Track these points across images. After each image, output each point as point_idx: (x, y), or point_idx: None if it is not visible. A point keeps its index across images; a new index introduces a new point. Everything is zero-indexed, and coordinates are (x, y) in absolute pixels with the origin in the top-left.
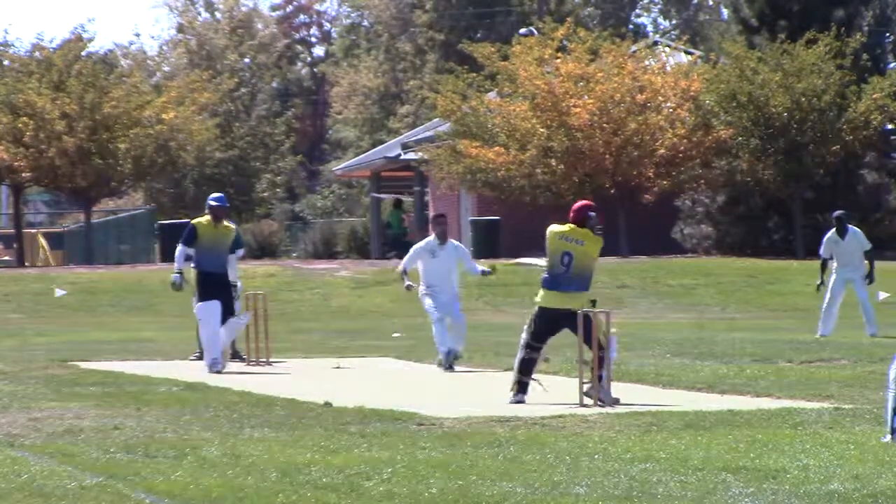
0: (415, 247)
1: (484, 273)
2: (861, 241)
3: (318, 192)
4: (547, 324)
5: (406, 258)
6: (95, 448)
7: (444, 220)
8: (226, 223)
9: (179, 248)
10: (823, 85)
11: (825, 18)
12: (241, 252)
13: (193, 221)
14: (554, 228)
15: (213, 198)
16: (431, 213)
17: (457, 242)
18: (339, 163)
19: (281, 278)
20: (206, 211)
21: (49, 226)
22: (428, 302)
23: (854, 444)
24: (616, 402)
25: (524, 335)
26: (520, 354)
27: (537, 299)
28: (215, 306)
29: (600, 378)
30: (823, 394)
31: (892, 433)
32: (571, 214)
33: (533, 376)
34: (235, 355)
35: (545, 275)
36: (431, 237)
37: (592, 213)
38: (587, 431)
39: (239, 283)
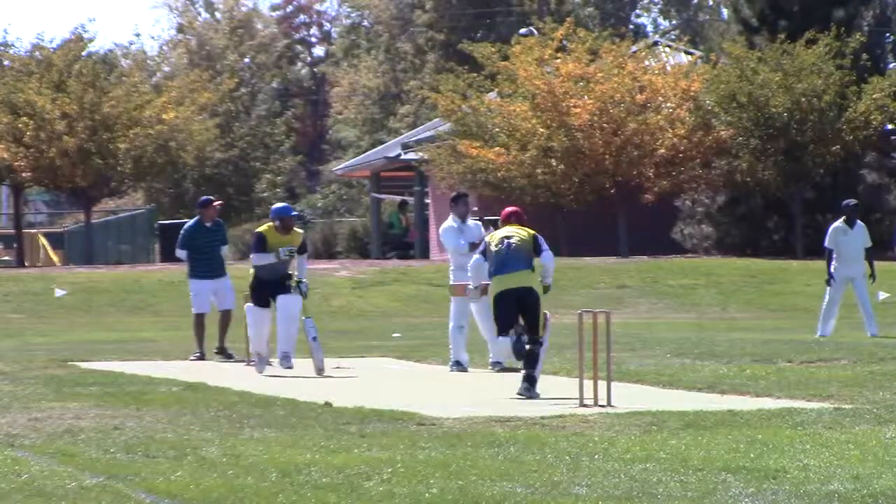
0: (448, 229)
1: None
2: (865, 237)
3: (318, 192)
4: (506, 309)
5: (452, 243)
6: (95, 448)
7: (467, 200)
8: (296, 229)
9: (257, 256)
10: (823, 85)
11: (825, 18)
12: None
13: (260, 229)
14: (490, 235)
15: (282, 208)
16: (452, 194)
17: (475, 221)
18: (339, 163)
19: None
20: (276, 223)
21: (49, 226)
22: (454, 307)
23: (854, 444)
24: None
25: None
26: (507, 345)
27: (490, 289)
28: (266, 314)
29: (533, 377)
30: (823, 394)
31: None
32: (501, 220)
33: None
34: (221, 351)
35: (490, 269)
36: (451, 218)
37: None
38: (587, 431)
39: (305, 282)
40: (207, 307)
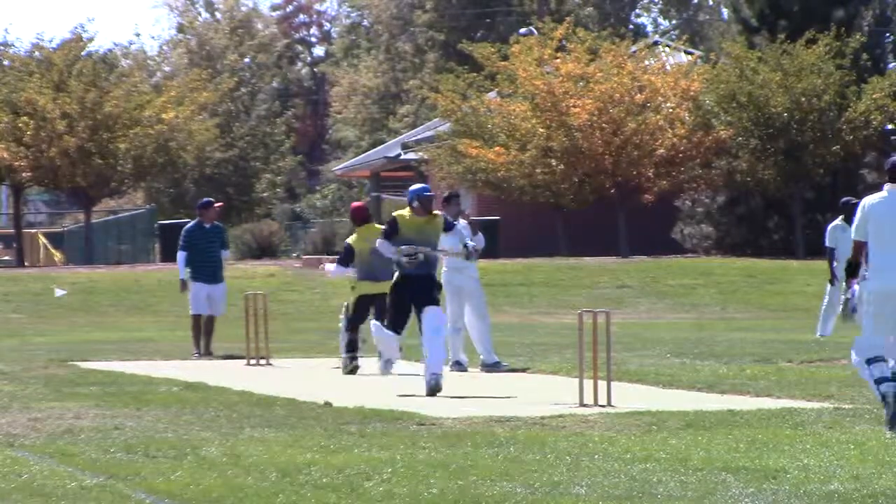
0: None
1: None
2: None
3: (318, 192)
4: (365, 307)
5: (447, 247)
6: (95, 448)
7: (458, 200)
8: (435, 213)
9: (381, 242)
10: (823, 85)
11: (825, 18)
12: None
13: (395, 213)
14: (355, 237)
15: (421, 188)
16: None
17: (463, 221)
18: (339, 163)
19: (281, 278)
20: (414, 204)
21: (49, 226)
22: (450, 309)
23: (854, 444)
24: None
25: (343, 321)
26: (345, 338)
27: (355, 290)
28: (397, 342)
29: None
30: (823, 394)
31: (883, 399)
32: (359, 215)
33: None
34: (208, 354)
35: (358, 272)
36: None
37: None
38: (587, 431)
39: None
40: (205, 309)
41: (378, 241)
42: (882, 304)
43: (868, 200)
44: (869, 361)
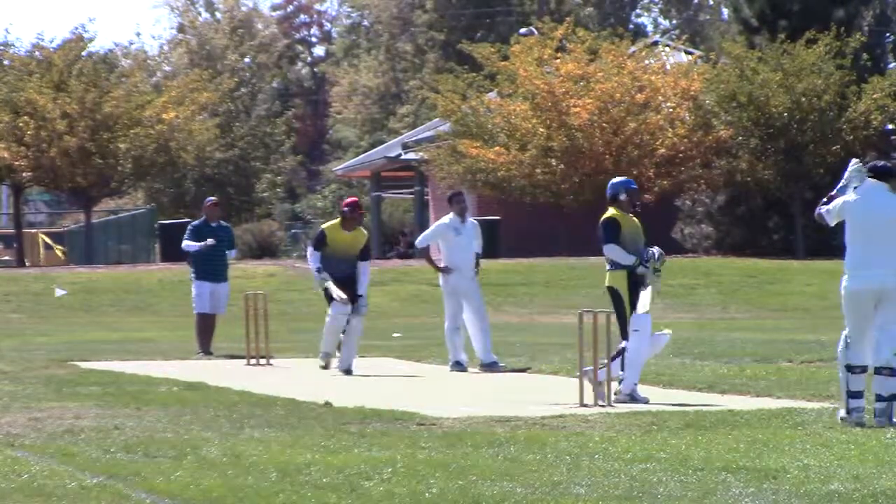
0: (438, 223)
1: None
2: None
3: (318, 192)
4: None
5: (424, 234)
6: (95, 448)
7: (463, 198)
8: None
9: (610, 246)
10: (823, 85)
11: (825, 18)
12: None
13: (608, 215)
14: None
15: (627, 180)
16: (449, 193)
17: (474, 220)
18: (339, 163)
19: (281, 278)
20: (621, 197)
21: (49, 226)
22: (448, 308)
23: (854, 444)
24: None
25: None
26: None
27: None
28: (647, 320)
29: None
30: (823, 394)
31: (847, 413)
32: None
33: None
34: (207, 352)
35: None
36: (450, 215)
37: None
38: (587, 431)
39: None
40: (208, 307)
41: (606, 246)
42: (858, 302)
43: (847, 198)
44: (849, 368)
